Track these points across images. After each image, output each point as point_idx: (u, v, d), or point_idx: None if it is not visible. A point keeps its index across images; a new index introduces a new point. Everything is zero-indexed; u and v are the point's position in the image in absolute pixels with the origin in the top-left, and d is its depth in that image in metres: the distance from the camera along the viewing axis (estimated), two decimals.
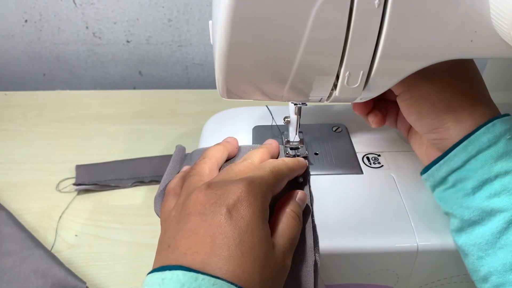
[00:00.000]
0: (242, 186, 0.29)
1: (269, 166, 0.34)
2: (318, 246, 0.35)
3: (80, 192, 0.50)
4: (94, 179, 0.51)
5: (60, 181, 0.52)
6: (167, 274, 0.26)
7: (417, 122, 0.34)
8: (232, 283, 0.25)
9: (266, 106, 0.50)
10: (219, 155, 0.38)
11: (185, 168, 0.40)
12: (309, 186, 0.39)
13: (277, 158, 0.40)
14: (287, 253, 0.30)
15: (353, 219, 0.37)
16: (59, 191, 0.51)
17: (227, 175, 0.33)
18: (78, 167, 0.53)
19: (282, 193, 0.35)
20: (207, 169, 0.35)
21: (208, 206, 0.29)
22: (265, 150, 0.38)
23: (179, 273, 0.25)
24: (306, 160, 0.39)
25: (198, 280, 0.25)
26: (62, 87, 0.73)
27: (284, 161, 0.36)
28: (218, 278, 0.25)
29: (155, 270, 0.27)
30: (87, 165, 0.53)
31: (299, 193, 0.35)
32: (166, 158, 0.54)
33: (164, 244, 0.29)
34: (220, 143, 0.40)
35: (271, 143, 0.40)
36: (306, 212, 0.37)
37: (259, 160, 0.36)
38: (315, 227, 0.36)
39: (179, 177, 0.37)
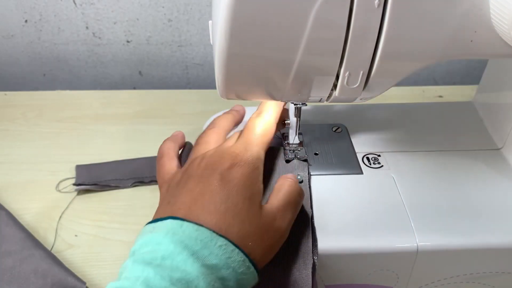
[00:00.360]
0: (236, 153, 0.34)
1: (250, 127, 0.37)
2: (316, 248, 0.35)
3: (80, 192, 0.50)
4: (94, 179, 0.51)
5: (60, 181, 0.52)
6: (158, 223, 0.30)
7: None
8: (212, 230, 0.29)
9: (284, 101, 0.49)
10: (227, 124, 0.41)
11: (176, 132, 0.43)
12: (310, 188, 0.39)
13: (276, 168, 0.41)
14: (280, 214, 0.33)
15: (353, 219, 0.37)
16: (59, 191, 0.50)
17: (226, 143, 0.36)
18: (78, 167, 0.53)
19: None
20: (214, 137, 0.38)
21: (206, 171, 0.33)
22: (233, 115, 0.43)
23: (168, 221, 0.30)
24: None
25: (183, 226, 0.29)
26: (62, 87, 0.73)
27: (256, 113, 0.39)
28: (201, 226, 0.29)
29: (150, 222, 0.31)
30: (87, 165, 0.53)
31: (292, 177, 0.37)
32: None
33: (165, 201, 0.33)
34: (229, 111, 0.43)
35: (237, 110, 0.44)
36: (305, 216, 0.36)
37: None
38: (315, 230, 0.36)
39: (170, 140, 0.40)
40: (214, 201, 0.31)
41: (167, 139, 0.42)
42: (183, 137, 0.43)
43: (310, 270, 0.34)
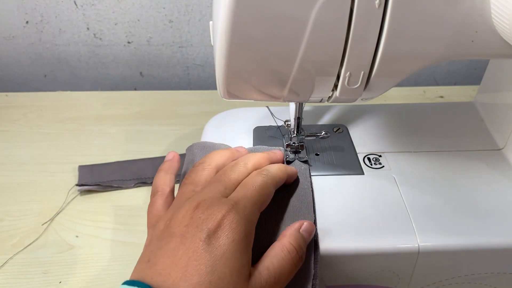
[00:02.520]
0: (225, 211, 0.29)
1: (253, 182, 0.33)
2: (318, 257, 0.34)
3: (81, 193, 0.50)
4: (96, 179, 0.51)
5: (61, 182, 0.52)
6: None
7: None
8: None
9: (267, 107, 0.49)
10: (221, 162, 0.37)
11: (170, 155, 0.39)
12: (312, 192, 0.39)
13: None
14: (268, 287, 0.29)
15: (354, 220, 0.37)
16: (60, 192, 0.50)
17: (216, 189, 0.32)
18: (81, 168, 0.53)
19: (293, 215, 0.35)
20: (203, 177, 0.35)
21: (190, 229, 0.29)
22: (265, 155, 0.38)
23: None
24: (298, 167, 0.39)
25: None
26: (63, 88, 0.74)
27: (269, 171, 0.35)
28: None
29: (128, 282, 0.27)
30: (89, 166, 0.53)
31: (305, 224, 0.34)
32: None
33: (145, 257, 0.30)
34: (228, 149, 0.39)
35: (276, 152, 0.39)
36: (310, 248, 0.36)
37: (253, 164, 0.36)
38: (317, 237, 0.35)
39: (165, 173, 0.37)
40: (198, 271, 0.27)
41: (162, 170, 0.38)
42: (178, 160, 0.39)
43: (311, 280, 0.33)
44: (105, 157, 0.55)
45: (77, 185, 0.50)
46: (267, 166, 0.37)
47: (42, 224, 0.47)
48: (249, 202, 0.31)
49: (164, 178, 0.37)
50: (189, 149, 0.44)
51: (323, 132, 0.42)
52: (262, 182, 0.33)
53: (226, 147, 0.42)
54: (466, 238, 0.36)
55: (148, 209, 0.35)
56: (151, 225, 0.34)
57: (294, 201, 0.37)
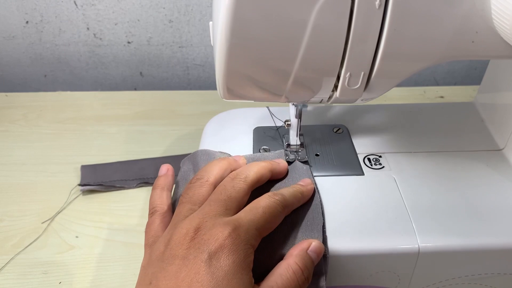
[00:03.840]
0: (227, 233, 0.29)
1: (263, 206, 0.32)
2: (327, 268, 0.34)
3: (81, 193, 0.50)
4: (99, 179, 0.51)
5: (61, 182, 0.52)
6: None
7: None
8: None
9: (267, 107, 0.49)
10: (219, 175, 0.35)
11: (164, 169, 0.38)
12: (321, 204, 0.38)
13: (281, 178, 0.38)
14: None
15: (354, 221, 0.37)
16: (60, 192, 0.50)
17: (216, 210, 0.31)
18: (84, 167, 0.53)
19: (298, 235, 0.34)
20: (201, 195, 0.34)
21: (192, 250, 0.29)
22: (267, 166, 0.36)
23: None
24: (312, 186, 0.37)
25: None
26: (63, 88, 0.74)
27: (283, 197, 0.33)
28: None
29: None
30: (92, 166, 0.53)
31: (314, 244, 0.33)
32: (171, 159, 0.54)
33: (146, 279, 0.29)
34: (225, 159, 0.37)
35: (279, 162, 0.38)
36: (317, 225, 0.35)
37: (254, 178, 0.35)
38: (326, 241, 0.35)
39: (161, 190, 0.36)
40: None
41: (158, 187, 0.37)
42: (173, 174, 0.39)
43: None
44: (105, 157, 0.55)
45: (79, 185, 0.50)
46: (281, 190, 0.35)
47: (42, 223, 0.47)
48: (253, 227, 0.30)
49: (161, 196, 0.36)
50: (192, 156, 0.43)
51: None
52: (273, 209, 0.32)
53: (223, 155, 0.41)
54: (466, 239, 0.36)
55: (146, 228, 0.34)
56: (148, 245, 0.33)
57: (302, 215, 0.36)
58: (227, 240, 0.29)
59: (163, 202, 0.36)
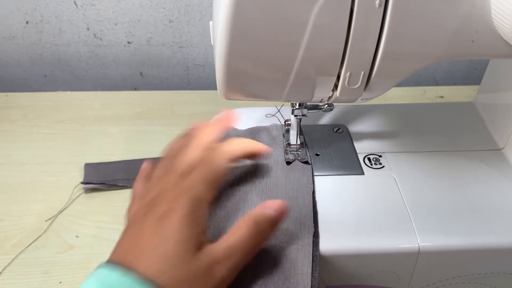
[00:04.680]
0: (176, 193, 0.32)
1: (208, 163, 0.34)
2: (318, 245, 0.34)
3: (81, 193, 0.50)
4: (102, 178, 0.51)
5: (62, 182, 0.52)
6: (95, 271, 0.30)
7: None
8: (138, 278, 0.28)
9: (276, 106, 0.49)
10: (208, 140, 0.37)
11: (144, 166, 0.41)
12: (314, 197, 0.39)
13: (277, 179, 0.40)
14: (219, 261, 0.30)
15: (354, 220, 0.37)
16: (61, 192, 0.50)
17: (170, 181, 0.34)
18: (87, 166, 0.53)
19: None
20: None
21: (147, 215, 0.31)
22: (215, 129, 0.38)
23: (100, 269, 0.30)
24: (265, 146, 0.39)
25: (110, 275, 0.29)
26: (63, 88, 0.73)
27: (221, 150, 0.35)
28: (128, 273, 0.28)
29: (103, 266, 0.30)
30: (95, 164, 0.53)
31: (274, 202, 0.33)
32: None
33: (118, 241, 0.33)
34: (215, 123, 0.39)
35: (227, 114, 0.40)
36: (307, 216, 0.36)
37: (206, 147, 0.36)
38: (317, 222, 0.35)
39: (143, 179, 0.39)
40: (148, 248, 0.30)
41: (141, 177, 0.40)
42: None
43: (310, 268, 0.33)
44: (105, 157, 0.55)
45: (82, 183, 0.50)
46: (223, 143, 0.37)
47: (46, 220, 0.47)
48: (200, 182, 0.32)
49: (141, 184, 0.39)
50: None
51: (326, 105, 0.41)
52: (212, 162, 0.34)
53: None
54: (466, 238, 0.36)
55: (127, 210, 0.36)
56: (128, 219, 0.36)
57: (292, 199, 0.37)
58: (173, 203, 0.31)
59: (139, 188, 0.38)
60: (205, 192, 0.33)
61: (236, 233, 0.31)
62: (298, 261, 0.33)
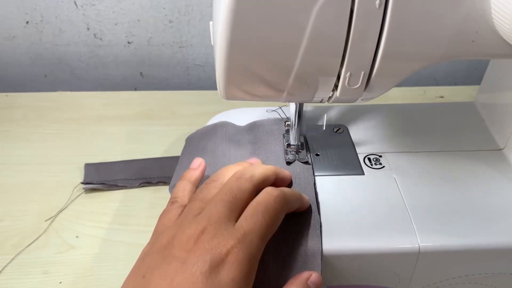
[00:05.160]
0: (231, 246, 0.28)
1: (262, 210, 0.31)
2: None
3: (83, 192, 0.50)
4: (102, 178, 0.51)
5: (62, 182, 0.52)
6: None
7: None
8: None
9: (280, 107, 0.49)
10: None
11: (197, 163, 0.38)
12: (316, 193, 0.39)
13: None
14: None
15: (354, 220, 0.37)
16: (61, 192, 0.50)
17: (222, 211, 0.31)
18: (87, 166, 0.53)
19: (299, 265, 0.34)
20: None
21: (192, 256, 0.28)
22: (272, 168, 0.36)
23: None
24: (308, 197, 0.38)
25: None
26: (63, 88, 0.73)
27: (282, 192, 0.33)
28: None
29: None
30: (95, 164, 0.53)
31: (314, 276, 0.33)
32: (174, 159, 0.54)
33: (141, 270, 0.29)
34: (243, 163, 0.38)
35: (284, 170, 0.38)
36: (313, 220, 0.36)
37: (260, 178, 0.34)
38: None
39: (186, 181, 0.36)
40: None
41: (186, 178, 0.37)
42: (203, 170, 0.38)
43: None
44: (105, 157, 0.55)
45: (82, 183, 0.50)
46: (282, 188, 0.34)
47: (46, 220, 0.47)
48: (257, 236, 0.30)
49: (184, 189, 0.36)
50: (189, 140, 0.45)
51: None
52: (273, 210, 0.31)
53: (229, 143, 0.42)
54: (466, 238, 0.36)
55: (161, 215, 0.34)
56: (156, 232, 0.33)
57: (300, 230, 0.36)
58: (230, 254, 0.28)
59: (185, 195, 0.35)
60: (260, 250, 0.30)
61: None
62: (308, 255, 0.34)
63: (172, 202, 0.35)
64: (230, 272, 0.27)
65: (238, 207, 0.31)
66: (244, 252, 0.28)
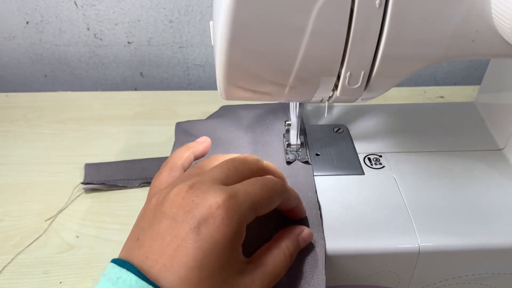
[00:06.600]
0: (222, 200, 0.27)
1: (262, 180, 0.30)
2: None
3: (83, 192, 0.50)
4: (102, 178, 0.51)
5: (62, 182, 0.52)
6: (123, 273, 0.26)
7: None
8: None
9: (285, 102, 0.49)
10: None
11: (203, 139, 0.38)
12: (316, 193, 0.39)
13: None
14: (260, 286, 0.29)
15: (354, 220, 0.37)
16: (61, 192, 0.50)
17: (217, 174, 0.30)
18: (87, 166, 0.53)
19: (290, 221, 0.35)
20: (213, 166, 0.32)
21: (182, 212, 0.27)
22: (275, 167, 0.35)
23: (133, 278, 0.25)
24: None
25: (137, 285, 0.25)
26: (63, 88, 0.73)
27: (283, 182, 0.32)
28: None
29: (117, 261, 0.27)
30: (95, 164, 0.53)
31: (305, 232, 0.33)
32: None
33: (135, 233, 0.29)
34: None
35: (282, 176, 0.36)
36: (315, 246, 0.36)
37: (267, 164, 0.34)
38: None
39: (185, 148, 0.36)
40: (186, 264, 0.26)
41: (186, 146, 0.36)
42: (207, 146, 0.37)
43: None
44: (105, 158, 0.55)
45: (82, 183, 0.50)
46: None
47: (46, 220, 0.47)
48: (250, 200, 0.28)
49: (181, 153, 0.35)
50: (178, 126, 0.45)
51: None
52: (271, 186, 0.30)
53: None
54: (466, 238, 0.36)
55: (154, 178, 0.34)
56: (150, 194, 0.33)
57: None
58: (219, 210, 0.26)
59: (181, 157, 0.35)
60: (251, 215, 0.29)
61: (273, 261, 0.30)
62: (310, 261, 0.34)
63: (164, 164, 0.35)
64: (220, 227, 0.26)
65: (235, 178, 0.30)
66: (234, 210, 0.27)
